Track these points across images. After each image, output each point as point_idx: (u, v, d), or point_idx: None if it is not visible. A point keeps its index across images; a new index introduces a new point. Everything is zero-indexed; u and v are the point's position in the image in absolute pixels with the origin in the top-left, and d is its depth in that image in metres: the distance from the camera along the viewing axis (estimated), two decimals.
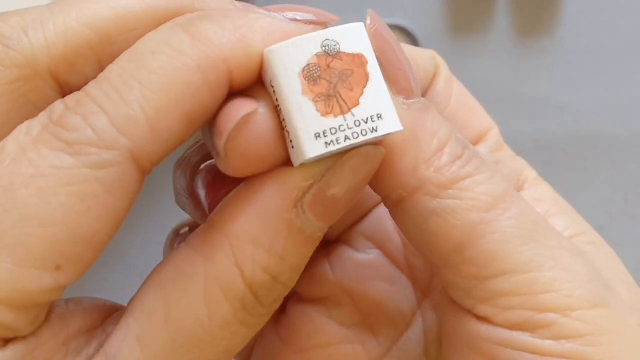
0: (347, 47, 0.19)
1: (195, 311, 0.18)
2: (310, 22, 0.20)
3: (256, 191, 0.18)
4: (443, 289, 0.22)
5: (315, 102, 0.18)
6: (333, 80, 0.18)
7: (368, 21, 0.20)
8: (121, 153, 0.17)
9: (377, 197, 0.21)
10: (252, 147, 0.18)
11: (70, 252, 0.17)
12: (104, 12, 0.19)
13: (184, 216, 0.25)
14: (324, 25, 0.20)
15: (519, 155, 0.26)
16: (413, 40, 0.43)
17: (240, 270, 0.18)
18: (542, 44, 0.43)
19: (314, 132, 0.18)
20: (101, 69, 0.18)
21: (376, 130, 0.18)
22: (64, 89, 0.19)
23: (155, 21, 0.19)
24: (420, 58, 0.24)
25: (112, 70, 0.18)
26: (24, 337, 0.18)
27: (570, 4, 0.43)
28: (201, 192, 0.22)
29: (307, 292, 0.25)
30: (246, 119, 0.18)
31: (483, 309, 0.20)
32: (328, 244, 0.26)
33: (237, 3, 0.20)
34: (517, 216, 0.20)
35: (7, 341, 0.18)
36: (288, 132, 0.18)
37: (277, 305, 0.20)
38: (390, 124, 0.19)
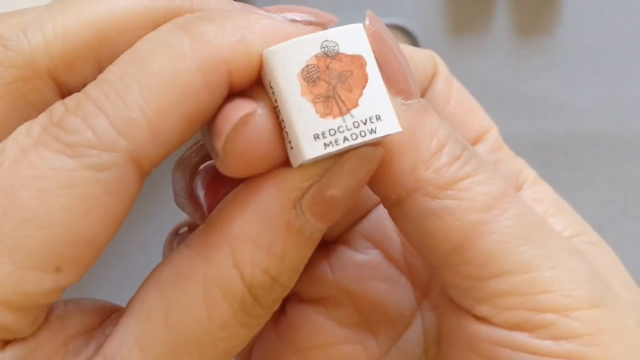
0: (346, 48, 0.19)
1: (194, 312, 0.18)
2: (310, 23, 0.20)
3: (255, 192, 0.18)
4: (442, 289, 0.22)
5: (314, 103, 0.18)
6: (332, 82, 0.18)
7: (367, 22, 0.20)
8: (121, 155, 0.17)
9: (377, 198, 0.21)
10: (251, 147, 0.18)
11: (71, 254, 0.17)
12: (103, 13, 0.19)
13: (183, 217, 0.25)
14: (323, 26, 0.20)
15: (519, 155, 0.26)
16: (413, 40, 0.43)
17: (240, 272, 0.18)
18: (542, 44, 0.43)
19: (313, 133, 0.18)
20: (100, 69, 0.18)
21: (375, 132, 0.18)
22: (63, 90, 0.19)
23: (155, 22, 0.19)
24: (420, 58, 0.24)
25: (112, 72, 0.18)
26: (23, 339, 0.18)
27: (570, 4, 0.43)
28: (200, 193, 0.22)
29: (307, 292, 0.25)
30: (245, 119, 0.18)
31: (482, 310, 0.20)
32: (327, 245, 0.26)
33: (236, 4, 0.20)
34: (516, 217, 0.20)
35: (6, 343, 0.18)
36: (287, 133, 0.18)
37: (276, 306, 0.20)
38: (389, 125, 0.19)
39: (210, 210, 0.22)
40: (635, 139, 0.43)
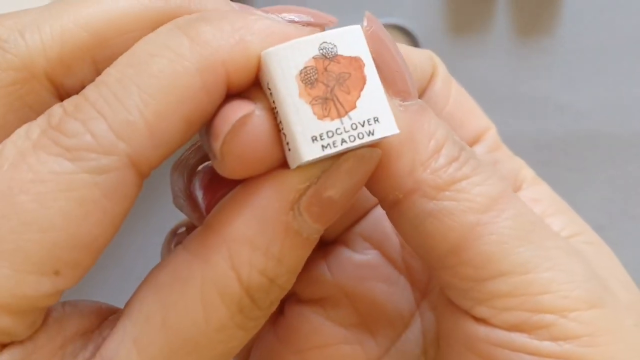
0: (344, 50, 0.19)
1: (192, 315, 0.18)
2: (308, 24, 0.20)
3: (253, 193, 0.18)
4: (441, 290, 0.22)
5: (312, 105, 0.18)
6: (330, 84, 0.18)
7: (365, 23, 0.20)
8: (120, 158, 0.17)
9: (375, 198, 0.21)
10: (249, 149, 0.18)
11: (69, 257, 0.17)
12: (100, 14, 0.18)
13: (182, 218, 0.25)
14: (321, 27, 0.20)
15: (519, 155, 0.26)
16: (413, 40, 0.43)
17: (237, 274, 0.18)
18: (542, 44, 0.43)
19: (311, 135, 0.18)
20: (97, 71, 0.18)
21: (373, 134, 0.18)
22: (60, 92, 0.19)
23: (152, 23, 0.19)
24: (418, 59, 0.24)
25: (111, 74, 0.18)
26: (21, 342, 0.18)
27: (570, 4, 0.43)
28: (199, 194, 0.22)
29: (305, 293, 0.25)
30: (243, 121, 0.18)
31: (481, 310, 0.20)
32: (326, 245, 0.26)
33: (233, 4, 0.20)
34: (514, 217, 0.20)
35: (4, 346, 0.18)
36: (285, 134, 0.18)
37: (274, 308, 0.19)
38: (387, 127, 0.19)
39: (208, 211, 0.22)
40: (635, 139, 0.43)
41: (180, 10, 0.19)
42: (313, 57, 0.18)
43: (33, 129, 0.18)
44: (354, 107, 0.18)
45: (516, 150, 0.26)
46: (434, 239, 0.20)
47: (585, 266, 0.21)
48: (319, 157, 0.18)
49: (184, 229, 0.26)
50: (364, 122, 0.18)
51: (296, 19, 0.20)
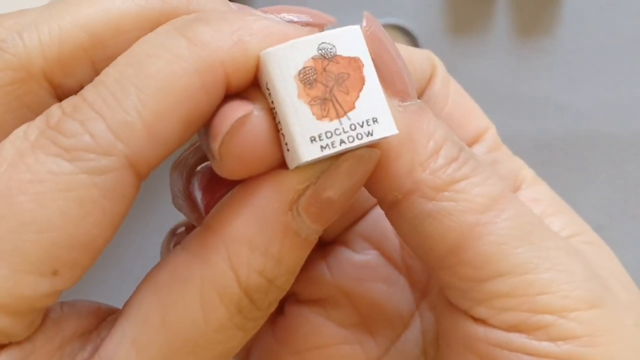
0: (343, 50, 0.19)
1: (191, 315, 0.18)
2: (307, 24, 0.20)
3: (252, 194, 0.18)
4: (440, 290, 0.22)
5: (311, 105, 0.18)
6: (329, 84, 0.18)
7: (364, 23, 0.20)
8: (119, 159, 0.17)
9: (375, 198, 0.21)
10: (247, 149, 0.18)
11: (68, 257, 0.17)
12: (99, 15, 0.18)
13: (181, 218, 0.25)
14: (320, 27, 0.20)
15: (519, 155, 0.26)
16: (413, 40, 0.43)
17: (236, 274, 0.18)
18: (542, 44, 0.43)
19: (310, 135, 0.18)
20: (95, 71, 0.18)
21: (372, 135, 0.18)
22: (58, 92, 0.19)
23: (150, 23, 0.19)
24: (417, 59, 0.24)
25: (109, 75, 0.18)
26: (19, 343, 0.18)
27: (570, 4, 0.43)
28: (198, 195, 0.22)
29: (305, 293, 0.25)
30: (241, 121, 0.18)
31: (480, 311, 0.20)
32: (325, 245, 0.26)
33: (232, 4, 0.20)
34: (513, 218, 0.20)
35: (2, 347, 0.18)
36: (284, 135, 0.18)
37: (273, 309, 0.20)
38: (385, 127, 0.19)
39: (207, 211, 0.22)
40: (635, 139, 0.43)
41: (178, 10, 0.19)
42: (312, 58, 0.18)
43: (31, 129, 0.18)
44: (353, 107, 0.18)
45: (516, 150, 0.26)
46: (433, 240, 0.20)
47: (585, 266, 0.21)
48: (318, 158, 0.18)
49: (183, 229, 0.26)
50: (362, 122, 0.18)
51: (295, 19, 0.20)
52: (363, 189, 0.20)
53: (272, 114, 0.18)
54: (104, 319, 0.19)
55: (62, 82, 0.19)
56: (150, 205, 0.40)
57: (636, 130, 0.43)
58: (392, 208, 0.20)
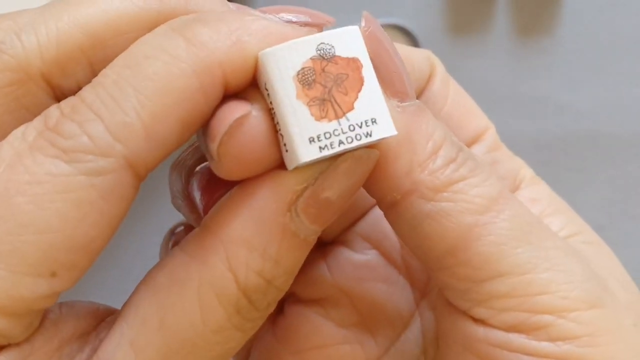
0: (342, 51, 0.19)
1: (189, 316, 0.18)
2: (306, 25, 0.20)
3: (250, 195, 0.18)
4: (439, 290, 0.22)
5: (309, 106, 0.18)
6: (328, 85, 0.18)
7: (363, 23, 0.20)
8: (117, 160, 0.17)
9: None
10: (246, 150, 0.18)
11: (66, 259, 0.17)
12: (97, 15, 0.18)
13: (180, 218, 0.25)
14: (319, 27, 0.20)
15: (519, 155, 0.26)
16: (413, 40, 0.43)
17: (234, 275, 0.18)
18: (542, 44, 0.43)
19: (308, 136, 0.18)
20: (93, 72, 0.18)
21: (370, 135, 0.18)
22: (57, 93, 0.19)
23: (149, 24, 0.19)
24: (416, 59, 0.24)
25: (107, 76, 0.18)
26: (17, 344, 0.18)
27: (570, 4, 0.43)
28: (196, 195, 0.22)
29: (305, 293, 0.25)
30: (239, 121, 0.18)
31: (479, 311, 0.20)
32: (325, 245, 0.26)
33: (230, 4, 0.20)
34: (512, 218, 0.20)
35: (0, 348, 0.18)
36: (282, 135, 0.18)
37: (271, 309, 0.19)
38: (384, 128, 0.18)
39: (206, 212, 0.22)
40: (635, 139, 0.43)
41: (176, 11, 0.19)
42: (311, 58, 0.18)
43: (30, 131, 0.18)
44: (352, 108, 0.18)
45: (516, 150, 0.26)
46: (432, 240, 0.20)
47: (585, 266, 0.21)
48: (317, 159, 0.18)
49: (182, 228, 0.26)
50: (361, 123, 0.18)
51: (294, 20, 0.20)
52: (362, 189, 0.20)
53: (270, 114, 0.18)
54: (103, 319, 0.19)
55: (60, 83, 0.19)
56: (150, 205, 0.40)
57: (636, 130, 0.43)
58: (391, 208, 0.20)
